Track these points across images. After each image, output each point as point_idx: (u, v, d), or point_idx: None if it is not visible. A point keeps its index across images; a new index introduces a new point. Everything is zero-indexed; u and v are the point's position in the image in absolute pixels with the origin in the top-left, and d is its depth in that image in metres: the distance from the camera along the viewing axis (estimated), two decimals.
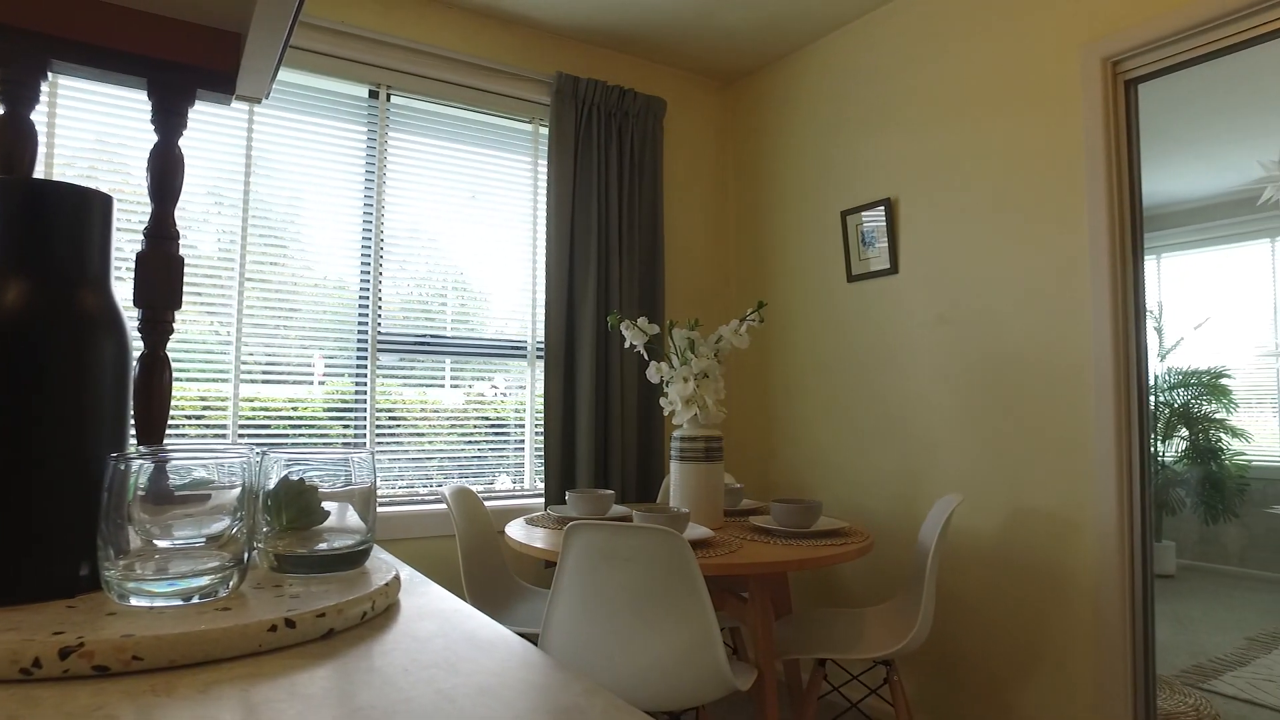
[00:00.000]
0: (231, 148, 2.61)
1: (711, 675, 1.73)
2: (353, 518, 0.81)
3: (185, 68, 0.91)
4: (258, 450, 0.73)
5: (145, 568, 0.60)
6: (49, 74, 0.87)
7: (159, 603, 0.58)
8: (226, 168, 2.60)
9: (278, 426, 2.68)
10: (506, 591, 2.61)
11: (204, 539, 0.63)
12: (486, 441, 3.07)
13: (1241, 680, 3.26)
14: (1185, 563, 5.49)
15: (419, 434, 2.93)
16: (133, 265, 0.90)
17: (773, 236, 3.43)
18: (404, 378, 2.90)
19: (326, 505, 0.80)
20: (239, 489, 0.66)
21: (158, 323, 0.91)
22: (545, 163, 3.13)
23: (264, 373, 2.66)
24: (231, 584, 0.63)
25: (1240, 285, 5.41)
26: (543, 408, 2.98)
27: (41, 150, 2.25)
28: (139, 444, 0.90)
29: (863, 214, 2.95)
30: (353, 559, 0.75)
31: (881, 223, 2.87)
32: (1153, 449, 5.39)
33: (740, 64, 3.50)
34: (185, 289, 2.52)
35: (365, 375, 2.81)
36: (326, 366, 2.78)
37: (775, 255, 3.41)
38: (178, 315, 0.94)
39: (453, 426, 3.00)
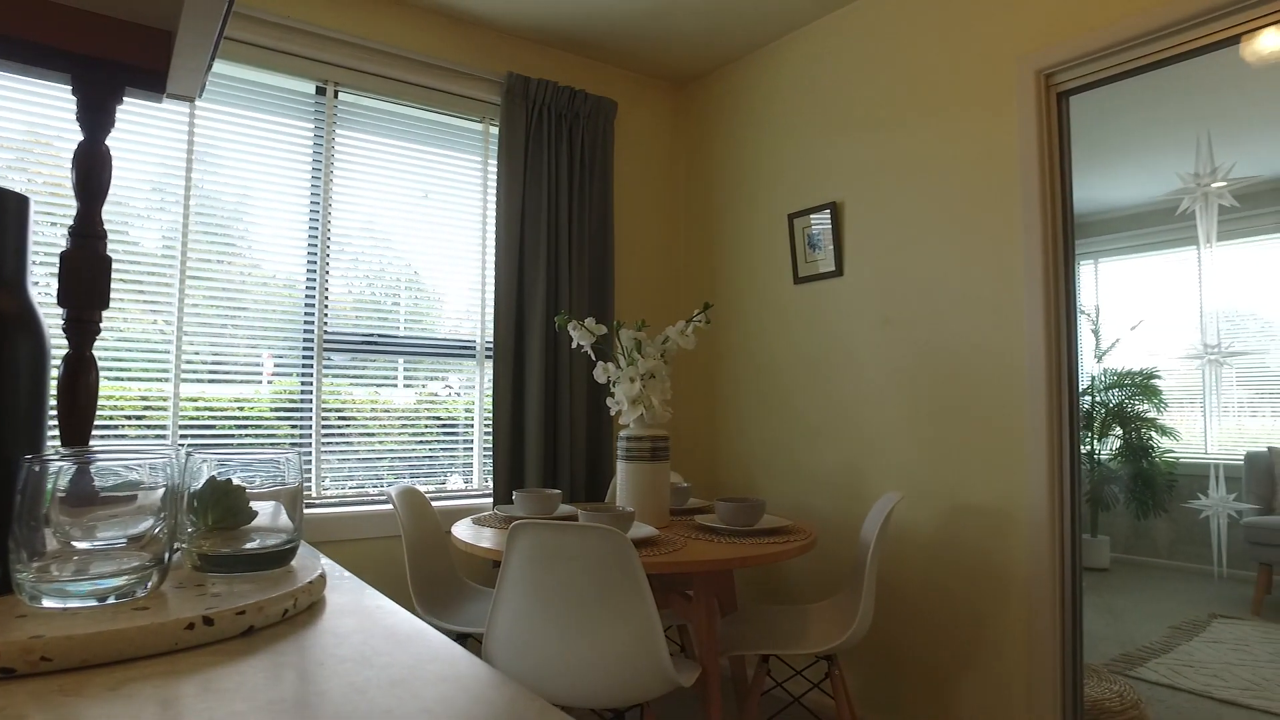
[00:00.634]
0: (174, 142, 2.56)
1: (655, 672, 1.76)
2: (282, 517, 0.81)
3: (112, 64, 0.90)
4: (183, 450, 0.74)
5: (63, 569, 0.60)
6: None
7: (73, 604, 0.58)
8: (170, 163, 2.55)
9: (223, 427, 2.63)
10: (454, 592, 2.60)
11: (125, 540, 0.63)
12: (438, 441, 3.06)
13: (1164, 666, 3.41)
14: (1119, 556, 5.70)
15: (369, 434, 2.91)
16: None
17: (722, 238, 3.48)
18: (355, 377, 2.88)
19: (256, 505, 0.80)
20: (163, 489, 0.66)
21: (83, 323, 0.90)
22: (495, 162, 3.12)
23: (210, 372, 2.61)
24: (151, 584, 0.63)
25: (1170, 290, 5.64)
26: (491, 408, 2.98)
27: None
28: (63, 445, 0.89)
29: (809, 217, 3.01)
30: (279, 558, 0.76)
31: (827, 226, 2.94)
32: (1090, 447, 5.59)
33: (691, 67, 3.54)
34: (127, 286, 2.46)
35: (311, 374, 2.78)
36: (275, 366, 2.74)
37: (724, 257, 3.46)
38: (120, 314, 0.93)
39: (404, 426, 2.98)
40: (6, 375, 0.63)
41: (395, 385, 2.98)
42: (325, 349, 2.81)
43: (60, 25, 0.87)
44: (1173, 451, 5.44)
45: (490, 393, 3.04)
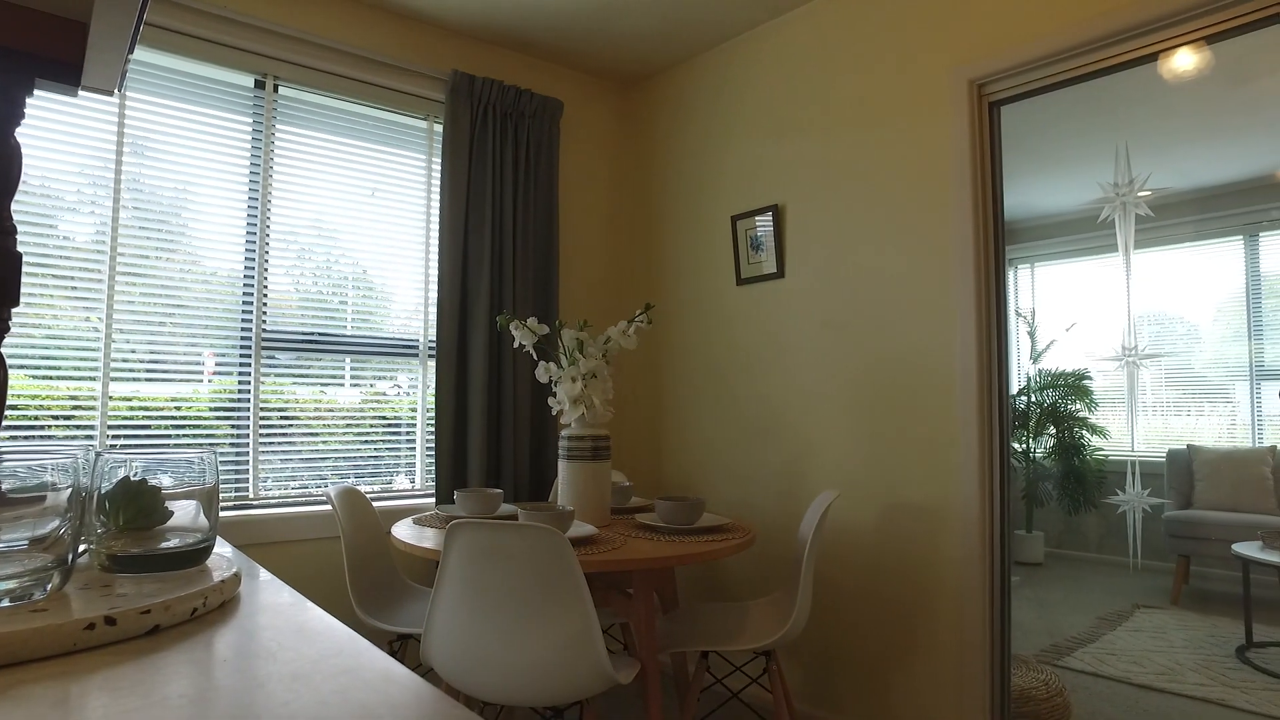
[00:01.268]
0: (106, 134, 2.48)
1: (593, 670, 1.77)
2: (201, 517, 0.81)
3: (20, 55, 0.88)
4: (91, 451, 0.73)
5: None
6: None
7: None
8: (103, 155, 2.47)
9: (158, 427, 2.56)
10: (395, 593, 2.58)
11: (27, 542, 0.62)
12: (383, 441, 3.03)
13: (1090, 655, 3.56)
14: (1052, 551, 5.91)
15: (313, 434, 2.87)
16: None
17: (666, 239, 3.51)
18: (299, 376, 2.84)
19: (173, 505, 0.80)
20: (69, 490, 0.65)
21: None
22: (440, 160, 3.10)
23: (147, 370, 2.54)
24: (51, 585, 0.62)
25: (1100, 294, 5.86)
26: (434, 407, 2.96)
27: None
28: None
29: (752, 219, 3.06)
30: (191, 557, 0.75)
31: (770, 228, 2.99)
32: (1025, 446, 5.78)
33: (638, 68, 3.56)
34: (58, 282, 2.38)
35: (249, 373, 2.72)
36: (217, 364, 2.69)
37: (669, 257, 3.49)
38: (49, 310, 0.91)
39: (349, 426, 2.95)
40: None
41: (342, 384, 2.94)
42: (266, 347, 2.76)
43: None
44: (1102, 449, 5.66)
45: (433, 392, 3.02)
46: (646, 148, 3.65)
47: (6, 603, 0.59)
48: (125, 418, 2.50)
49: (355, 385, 2.98)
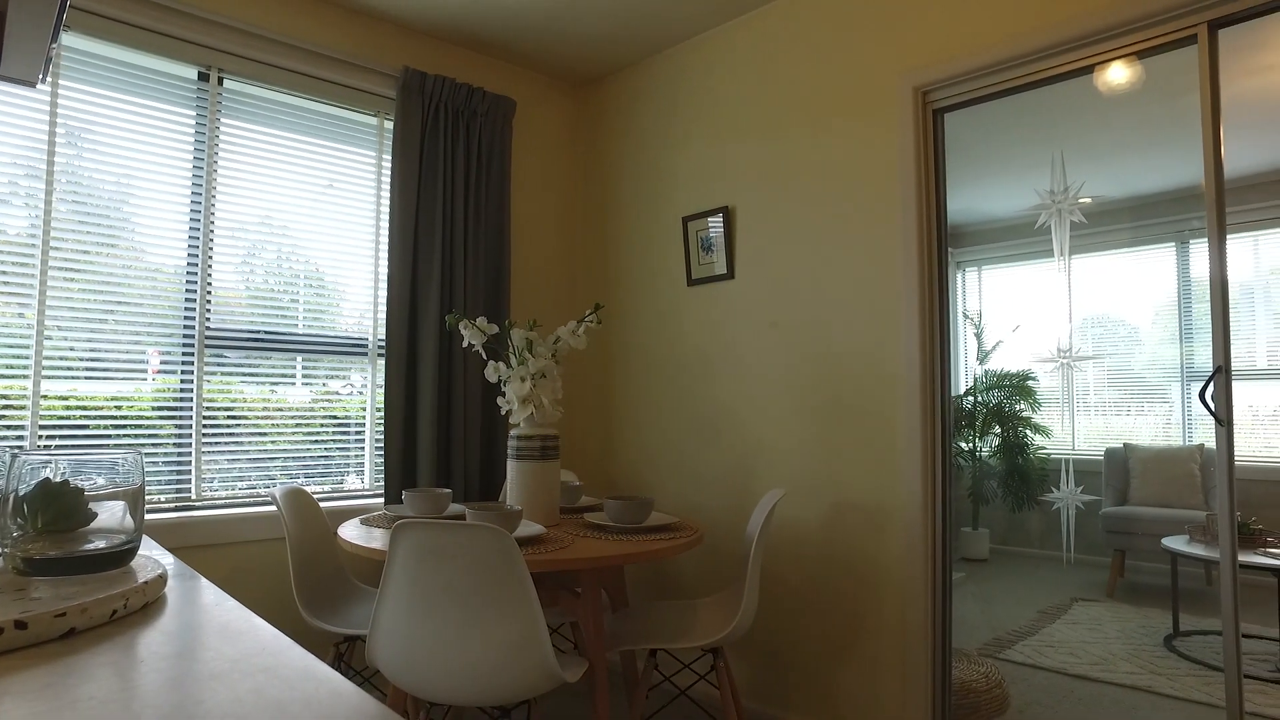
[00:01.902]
0: (37, 123, 2.40)
1: (539, 669, 1.77)
2: (128, 519, 0.79)
3: None
4: (6, 453, 0.71)
5: None
6: None
7: None
8: (35, 144, 2.39)
9: (97, 426, 2.49)
10: (342, 594, 2.55)
11: None
12: (334, 441, 2.99)
13: (1029, 648, 3.67)
14: (997, 547, 6.07)
15: (261, 433, 2.81)
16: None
17: (618, 239, 3.52)
18: (248, 375, 2.78)
19: (97, 507, 0.78)
20: None
21: None
22: (390, 158, 3.07)
23: (87, 368, 2.47)
24: None
25: (1043, 297, 6.05)
26: (383, 407, 2.93)
27: None
28: None
29: (703, 220, 3.09)
30: (116, 559, 0.74)
31: (720, 230, 3.02)
32: (972, 445, 5.93)
33: (591, 69, 3.57)
34: None
35: (192, 371, 2.66)
36: (162, 362, 2.62)
37: (620, 258, 3.51)
38: None
39: (298, 425, 2.90)
40: None
41: (294, 383, 2.90)
42: (212, 345, 2.70)
43: None
44: (1045, 448, 5.84)
45: (382, 391, 2.99)
46: (599, 148, 3.66)
47: None
48: (61, 417, 2.43)
49: (307, 384, 2.93)
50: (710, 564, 3.06)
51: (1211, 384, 2.04)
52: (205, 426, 2.69)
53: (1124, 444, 5.22)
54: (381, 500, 3.03)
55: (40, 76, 0.95)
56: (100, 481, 0.78)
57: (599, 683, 2.06)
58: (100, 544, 0.74)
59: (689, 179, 3.21)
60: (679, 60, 3.30)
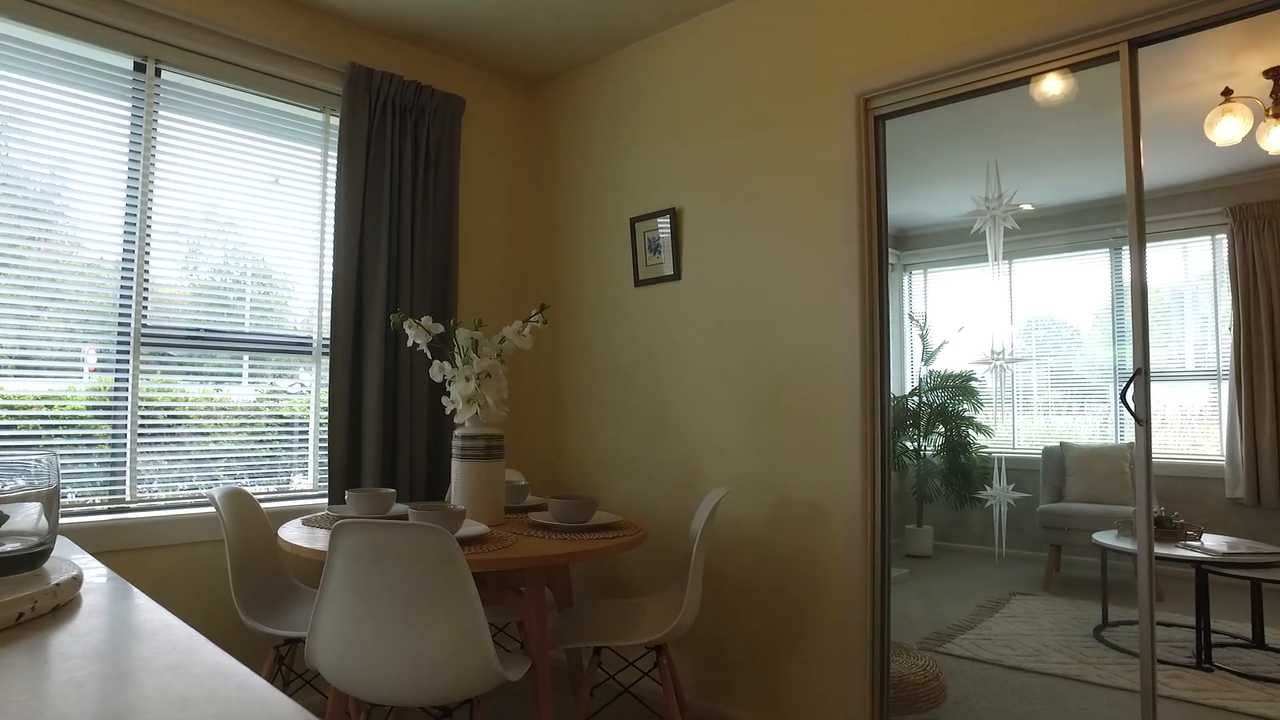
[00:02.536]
0: None
1: (481, 669, 1.78)
2: (43, 521, 0.79)
3: None
4: None
5: None
6: None
7: None
8: None
9: (25, 426, 2.41)
10: (283, 596, 2.51)
11: None
12: (279, 441, 2.94)
13: (969, 641, 3.78)
14: (940, 544, 6.23)
15: (203, 433, 2.76)
16: None
17: (568, 239, 3.53)
18: (191, 373, 2.73)
19: (8, 509, 0.77)
20: None
21: None
22: (336, 154, 3.03)
23: (16, 365, 2.39)
24: None
25: (985, 300, 6.23)
26: (327, 406, 2.89)
27: None
28: None
29: (651, 221, 3.12)
30: (27, 561, 0.73)
31: (668, 231, 3.05)
32: (916, 444, 6.07)
33: (541, 68, 3.57)
34: None
35: (127, 369, 2.60)
36: (99, 360, 2.55)
37: (569, 258, 3.52)
38: None
39: (242, 425, 2.85)
40: None
41: (240, 382, 2.84)
42: (150, 342, 2.64)
43: None
44: (987, 447, 6.01)
45: (326, 391, 2.95)
46: (549, 147, 3.66)
47: None
48: None
49: (255, 383, 2.88)
50: (656, 562, 3.09)
51: (1132, 385, 2.14)
52: (144, 426, 2.63)
53: (1061, 443, 5.41)
54: (324, 500, 2.99)
55: None
56: (21, 483, 0.77)
57: (542, 681, 2.07)
58: (11, 546, 0.73)
59: (637, 180, 3.23)
60: (628, 62, 3.32)
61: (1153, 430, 5.43)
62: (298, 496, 2.98)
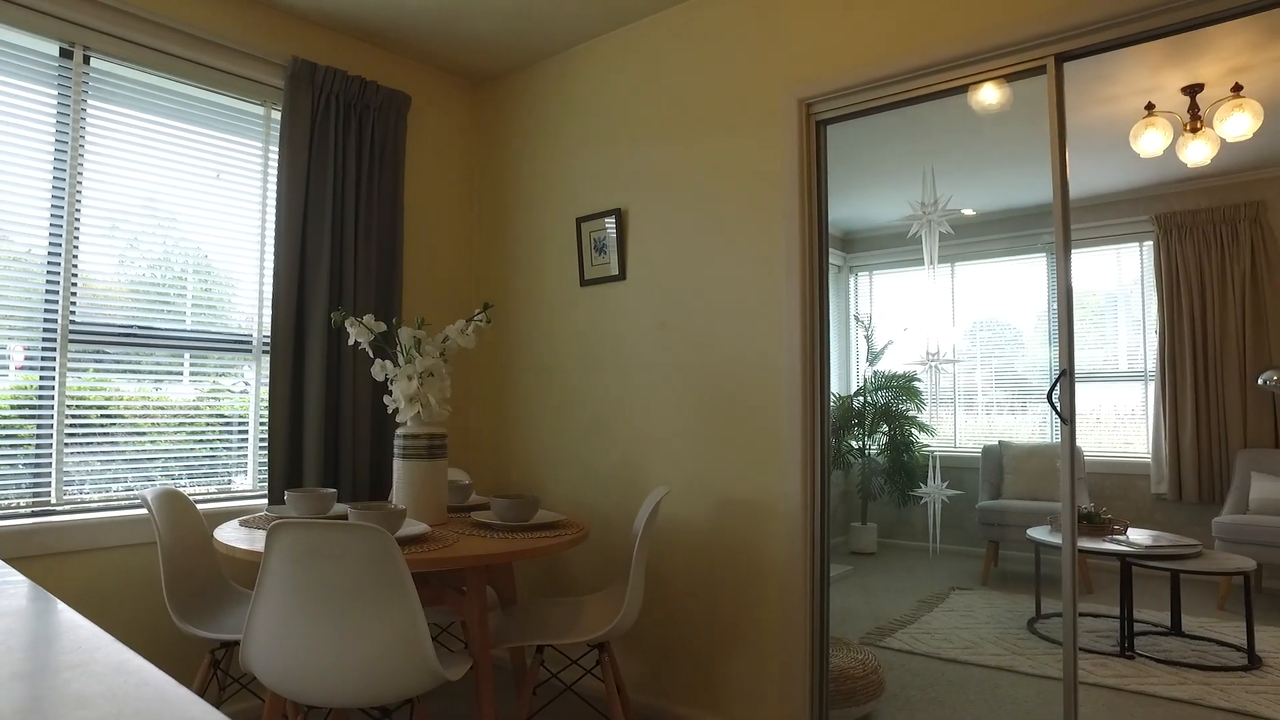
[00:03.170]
0: None
1: (419, 668, 1.77)
2: None
3: None
4: None
5: None
6: None
7: None
8: None
9: None
10: (220, 598, 2.46)
11: None
12: (219, 440, 2.88)
13: (909, 635, 3.88)
14: (884, 541, 6.37)
15: (139, 433, 2.68)
16: None
17: (513, 239, 3.53)
18: (129, 371, 2.65)
19: None
20: None
21: None
22: (278, 149, 2.97)
23: None
24: None
25: (928, 302, 6.39)
26: (267, 405, 2.84)
27: None
28: None
29: (597, 221, 3.13)
30: None
31: (613, 231, 3.07)
32: (860, 443, 6.20)
33: (488, 67, 3.55)
34: None
35: (53, 367, 2.51)
36: (26, 357, 2.46)
37: (515, 257, 3.51)
38: None
39: (181, 425, 2.78)
40: None
41: (180, 380, 2.77)
42: (79, 339, 2.56)
43: None
44: (929, 445, 6.17)
45: (266, 389, 2.90)
46: (495, 146, 3.65)
47: None
48: None
49: (196, 381, 2.82)
50: (600, 560, 3.11)
51: (1058, 386, 2.23)
52: (74, 426, 2.55)
53: (999, 441, 5.58)
54: (264, 501, 2.94)
55: None
56: None
57: (483, 680, 2.07)
58: None
59: (584, 180, 3.24)
60: (574, 63, 3.33)
61: (1087, 429, 5.65)
62: (238, 497, 2.92)
